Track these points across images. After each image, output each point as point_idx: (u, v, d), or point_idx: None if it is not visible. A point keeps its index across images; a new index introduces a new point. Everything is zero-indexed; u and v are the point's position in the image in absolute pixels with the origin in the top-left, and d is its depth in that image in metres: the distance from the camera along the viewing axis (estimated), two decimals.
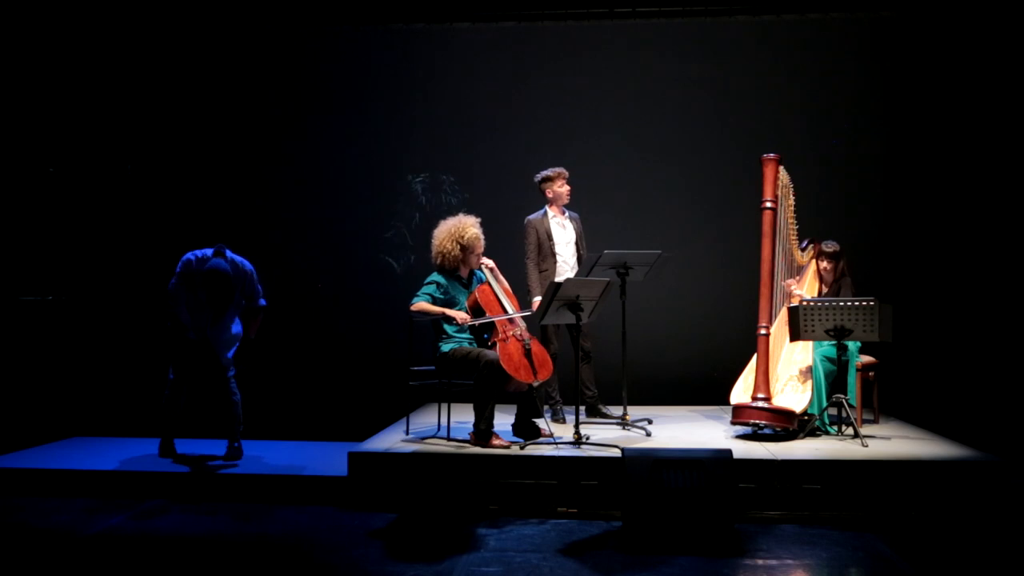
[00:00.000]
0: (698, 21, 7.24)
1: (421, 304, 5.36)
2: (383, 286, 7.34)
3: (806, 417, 5.58)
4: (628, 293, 5.83)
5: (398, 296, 6.26)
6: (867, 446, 5.20)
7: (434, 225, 5.66)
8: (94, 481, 5.40)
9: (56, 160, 7.32)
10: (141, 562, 4.24)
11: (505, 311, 5.48)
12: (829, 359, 5.63)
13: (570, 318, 5.29)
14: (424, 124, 7.41)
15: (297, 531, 4.68)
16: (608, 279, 5.36)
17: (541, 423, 5.51)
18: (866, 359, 5.91)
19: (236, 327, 5.77)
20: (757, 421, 5.51)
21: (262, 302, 5.79)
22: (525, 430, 5.44)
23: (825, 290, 5.93)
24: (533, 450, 5.18)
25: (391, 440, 5.56)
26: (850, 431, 5.44)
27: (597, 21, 7.29)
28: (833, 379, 5.62)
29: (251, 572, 4.16)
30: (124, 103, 7.43)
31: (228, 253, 5.64)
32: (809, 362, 5.70)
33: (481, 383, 5.23)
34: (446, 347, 5.41)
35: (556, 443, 5.33)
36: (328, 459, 5.63)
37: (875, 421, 6.05)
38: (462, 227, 5.48)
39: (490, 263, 5.66)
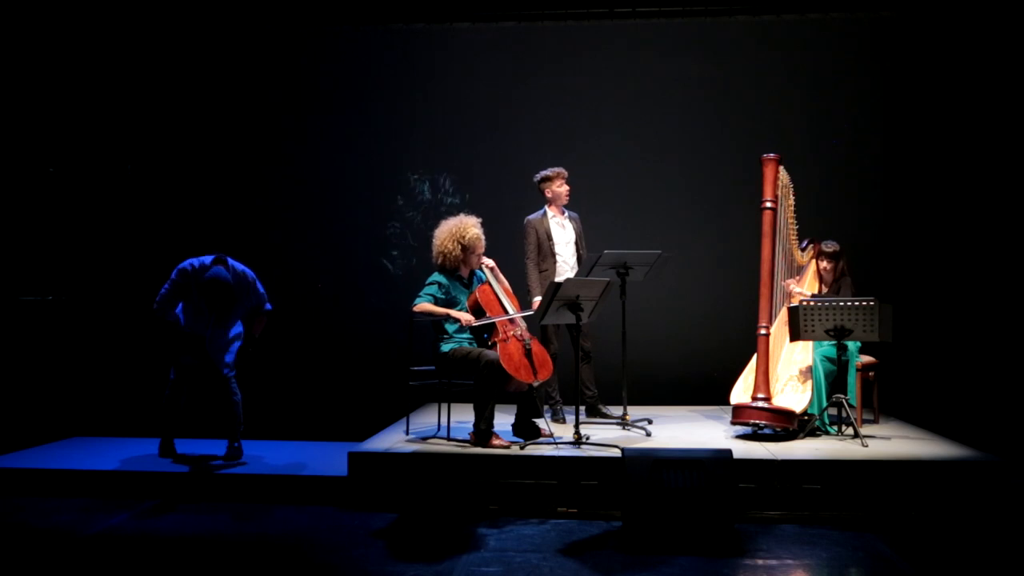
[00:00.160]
0: (698, 21, 7.24)
1: (424, 305, 5.35)
2: (383, 286, 7.35)
3: (806, 417, 5.58)
4: (628, 293, 5.83)
5: (398, 296, 6.26)
6: (867, 446, 5.20)
7: (434, 225, 5.67)
8: (94, 481, 5.40)
9: (56, 160, 7.32)
10: (141, 562, 4.24)
11: (505, 311, 5.47)
12: (829, 359, 5.63)
13: (570, 318, 5.29)
14: (424, 124, 7.41)
15: (297, 531, 4.68)
16: (608, 279, 5.35)
17: (541, 423, 5.51)
18: (866, 359, 5.91)
19: (236, 328, 5.78)
20: (757, 421, 5.51)
21: (268, 307, 5.78)
22: (525, 430, 5.44)
23: (825, 290, 5.93)
24: (533, 450, 5.18)
25: (391, 440, 5.55)
26: (850, 431, 5.44)
27: (597, 21, 7.29)
28: (833, 379, 5.62)
29: (251, 572, 4.16)
30: (124, 103, 7.43)
31: (230, 261, 5.61)
32: (809, 362, 5.70)
33: (481, 383, 5.23)
34: (446, 347, 5.41)
35: (556, 443, 5.33)
36: (328, 459, 5.63)
37: (875, 421, 6.05)
38: (463, 227, 5.48)
39: (491, 263, 5.66)
